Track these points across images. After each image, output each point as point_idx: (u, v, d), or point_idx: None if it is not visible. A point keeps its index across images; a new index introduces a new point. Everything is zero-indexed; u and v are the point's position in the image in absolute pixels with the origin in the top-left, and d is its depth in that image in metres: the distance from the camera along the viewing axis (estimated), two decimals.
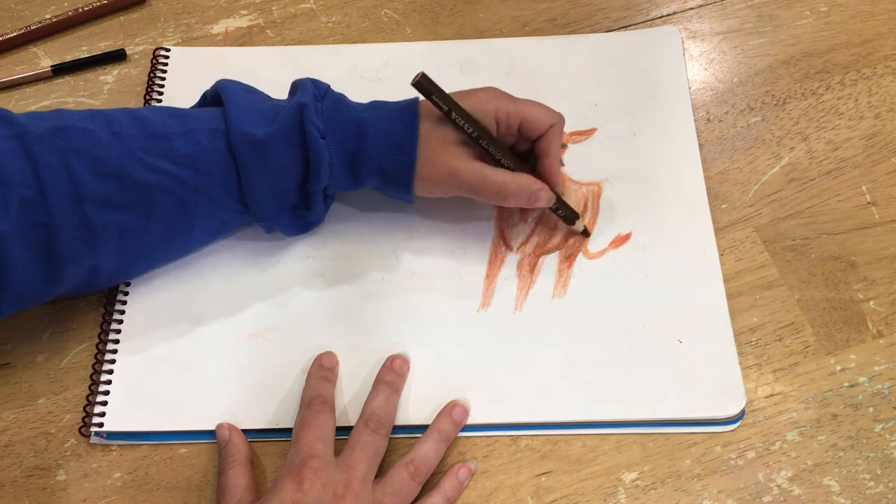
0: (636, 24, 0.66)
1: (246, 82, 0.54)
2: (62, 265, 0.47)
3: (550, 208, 0.54)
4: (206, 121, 0.50)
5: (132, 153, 0.47)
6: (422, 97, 0.50)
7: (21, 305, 0.48)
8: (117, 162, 0.47)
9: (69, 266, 0.47)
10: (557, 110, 0.53)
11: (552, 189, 0.52)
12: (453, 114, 0.49)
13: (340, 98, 0.52)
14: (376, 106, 0.52)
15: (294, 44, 0.66)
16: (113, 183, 0.47)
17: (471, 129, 0.50)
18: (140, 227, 0.49)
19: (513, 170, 0.51)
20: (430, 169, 0.50)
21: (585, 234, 0.56)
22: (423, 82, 0.49)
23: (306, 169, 0.50)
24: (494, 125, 0.51)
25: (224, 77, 0.53)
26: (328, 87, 0.52)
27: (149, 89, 0.63)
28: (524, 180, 0.51)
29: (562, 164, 0.55)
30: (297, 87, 0.51)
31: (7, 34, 0.66)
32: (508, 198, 0.51)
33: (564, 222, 0.55)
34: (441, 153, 0.50)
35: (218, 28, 0.67)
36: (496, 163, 0.51)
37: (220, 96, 0.51)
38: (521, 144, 0.54)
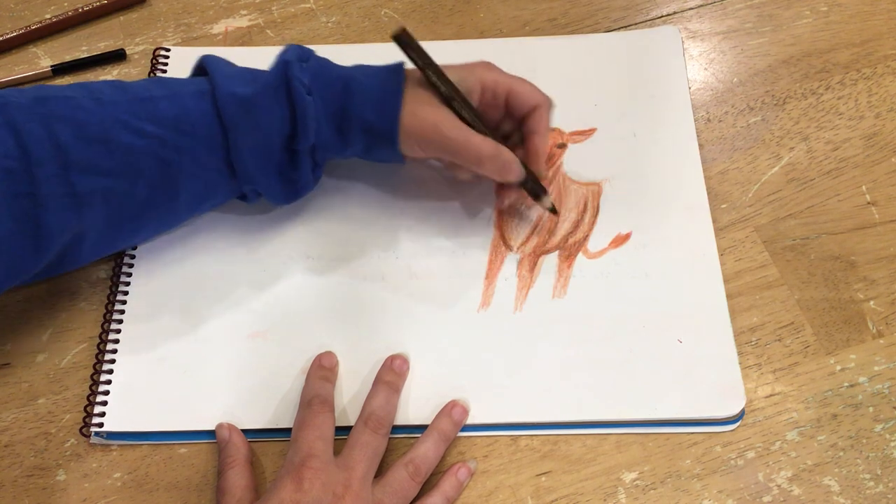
0: (636, 24, 0.66)
1: None
2: (49, 235, 0.46)
3: (520, 183, 0.53)
4: (191, 84, 0.50)
5: (117, 117, 0.47)
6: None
7: (10, 281, 0.47)
8: (102, 126, 0.47)
9: (56, 235, 0.47)
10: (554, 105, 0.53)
11: (534, 169, 0.52)
12: (427, 70, 0.49)
13: (325, 60, 0.52)
14: (362, 66, 0.52)
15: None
16: (98, 148, 0.46)
17: (443, 89, 0.50)
18: (125, 193, 0.48)
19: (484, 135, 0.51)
20: (414, 120, 0.50)
21: (553, 211, 0.55)
22: (402, 36, 0.49)
23: (293, 127, 0.50)
24: (479, 88, 0.51)
25: None
26: (312, 51, 0.52)
27: None
28: (500, 147, 0.51)
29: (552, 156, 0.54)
30: (282, 51, 0.51)
31: (7, 34, 0.66)
32: (483, 161, 0.50)
33: (532, 198, 0.54)
34: (427, 107, 0.50)
35: (218, 28, 0.67)
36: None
37: (204, 69, 0.51)
38: (507, 123, 0.54)
